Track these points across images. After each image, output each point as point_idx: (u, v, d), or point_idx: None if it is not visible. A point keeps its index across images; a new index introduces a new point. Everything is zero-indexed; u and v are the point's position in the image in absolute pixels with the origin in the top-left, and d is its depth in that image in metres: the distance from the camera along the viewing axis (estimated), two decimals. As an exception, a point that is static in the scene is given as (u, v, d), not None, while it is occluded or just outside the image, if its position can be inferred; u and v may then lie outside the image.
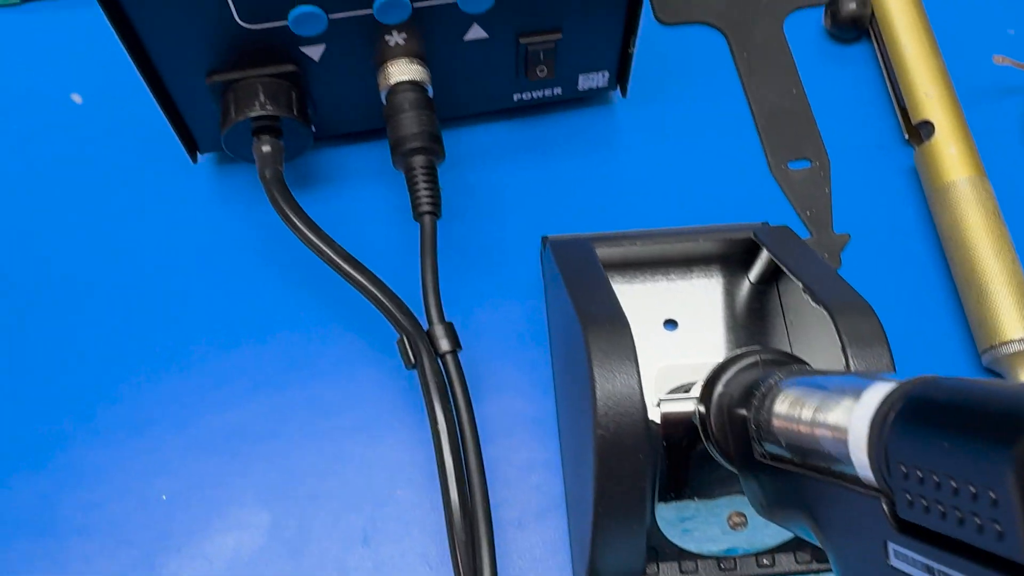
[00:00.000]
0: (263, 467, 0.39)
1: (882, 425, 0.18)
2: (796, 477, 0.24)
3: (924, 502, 0.17)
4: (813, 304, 0.33)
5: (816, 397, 0.23)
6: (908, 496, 0.17)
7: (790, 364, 0.28)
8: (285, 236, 0.42)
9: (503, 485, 0.38)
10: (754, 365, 0.28)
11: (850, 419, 0.20)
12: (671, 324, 0.41)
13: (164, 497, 0.38)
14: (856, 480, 0.20)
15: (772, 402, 0.25)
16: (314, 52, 0.38)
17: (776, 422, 0.24)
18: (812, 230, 0.44)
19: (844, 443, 0.20)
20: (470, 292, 0.42)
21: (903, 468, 0.17)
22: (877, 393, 0.19)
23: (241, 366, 0.40)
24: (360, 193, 0.44)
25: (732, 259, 0.41)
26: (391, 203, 0.44)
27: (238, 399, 0.40)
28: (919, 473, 0.17)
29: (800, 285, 0.34)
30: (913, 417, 0.18)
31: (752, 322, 0.41)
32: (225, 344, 0.41)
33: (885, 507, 0.19)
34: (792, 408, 0.24)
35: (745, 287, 0.41)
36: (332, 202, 0.44)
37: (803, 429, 0.23)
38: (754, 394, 0.26)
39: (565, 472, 0.38)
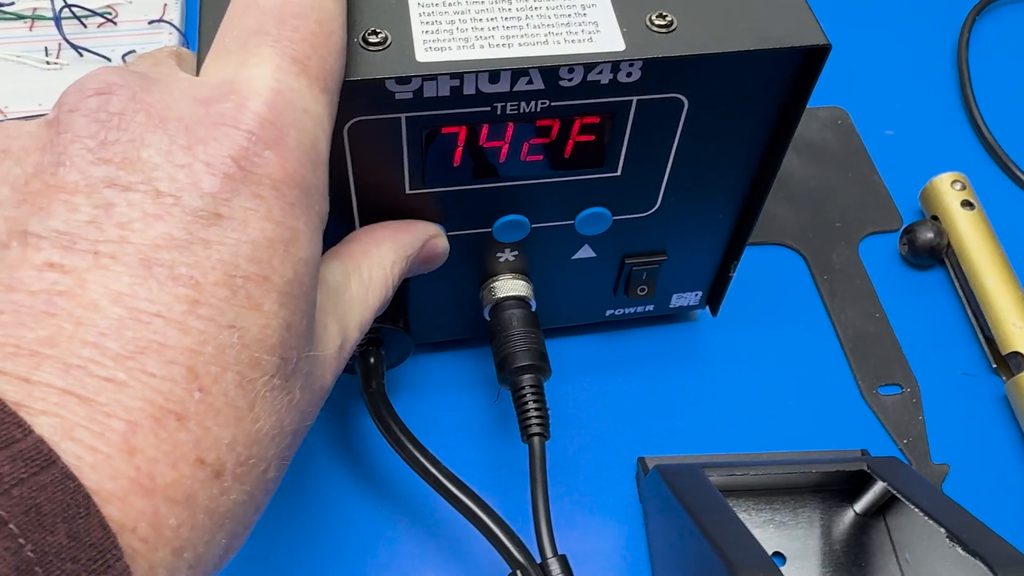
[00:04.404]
0: None
1: None
2: None
3: None
4: (962, 552, 0.31)
5: None
6: None
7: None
8: (372, 450, 0.41)
9: None
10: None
11: None
12: (779, 557, 0.39)
13: None
14: None
15: None
16: (425, 266, 0.38)
17: None
18: (911, 459, 0.43)
19: None
20: (562, 511, 0.40)
21: None
22: None
23: (322, 590, 0.38)
24: (446, 403, 0.43)
25: (836, 488, 0.40)
26: (475, 415, 0.43)
27: (319, 629, 0.37)
28: None
29: (943, 531, 0.32)
30: None
31: (861, 557, 0.39)
32: (308, 563, 0.38)
33: None
34: None
35: (849, 517, 0.40)
36: (417, 411, 0.42)
37: None
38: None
39: None
